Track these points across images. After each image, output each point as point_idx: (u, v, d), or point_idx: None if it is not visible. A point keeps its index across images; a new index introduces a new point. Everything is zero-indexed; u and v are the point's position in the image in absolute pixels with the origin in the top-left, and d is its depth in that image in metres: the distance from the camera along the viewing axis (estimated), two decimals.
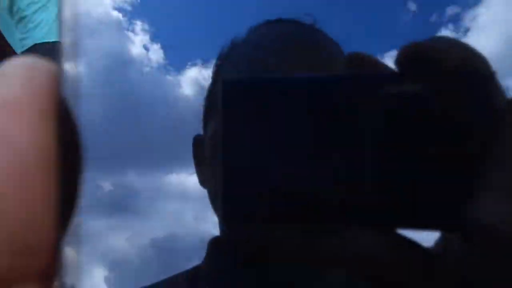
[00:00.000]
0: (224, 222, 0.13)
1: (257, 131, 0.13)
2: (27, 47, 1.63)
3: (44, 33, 1.62)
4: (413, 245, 0.13)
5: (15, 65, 0.13)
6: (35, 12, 1.60)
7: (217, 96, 0.31)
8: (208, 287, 0.31)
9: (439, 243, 0.14)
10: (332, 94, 0.13)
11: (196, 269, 0.35)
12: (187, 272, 0.36)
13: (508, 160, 0.12)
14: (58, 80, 0.13)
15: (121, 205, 0.15)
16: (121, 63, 0.16)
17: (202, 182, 0.38)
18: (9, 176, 0.12)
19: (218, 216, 0.13)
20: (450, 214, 0.12)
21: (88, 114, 0.14)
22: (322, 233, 0.13)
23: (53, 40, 1.63)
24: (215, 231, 0.15)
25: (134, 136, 0.16)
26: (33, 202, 0.12)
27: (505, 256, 0.13)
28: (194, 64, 0.17)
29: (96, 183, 0.14)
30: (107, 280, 0.15)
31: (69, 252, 0.13)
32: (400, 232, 0.13)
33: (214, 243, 0.35)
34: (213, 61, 0.17)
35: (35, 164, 0.12)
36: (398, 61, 0.13)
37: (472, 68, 0.13)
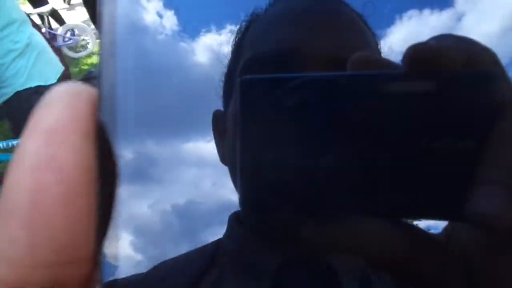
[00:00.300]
0: (243, 207, 0.14)
1: (273, 127, 0.14)
2: (7, 96, 1.59)
3: (24, 80, 1.58)
4: (421, 232, 0.14)
5: (57, 93, 0.15)
6: (13, 59, 1.55)
7: (236, 85, 0.30)
8: (228, 262, 0.32)
9: (443, 231, 0.15)
10: (342, 92, 0.13)
11: (217, 243, 0.36)
12: (208, 246, 0.37)
13: (510, 153, 0.12)
14: (96, 102, 0.15)
15: (142, 173, 0.15)
16: (135, 31, 0.16)
17: (223, 158, 0.38)
18: (58, 196, 0.13)
19: (239, 198, 0.14)
20: (454, 204, 0.13)
21: (106, 84, 0.15)
22: (335, 221, 0.13)
23: (34, 85, 1.60)
24: (233, 197, 0.15)
25: (151, 105, 0.16)
26: (78, 217, 0.13)
27: (504, 244, 0.13)
28: (209, 31, 0.16)
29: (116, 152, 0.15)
30: (132, 244, 0.16)
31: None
32: (408, 221, 0.14)
33: (235, 218, 0.36)
34: (228, 27, 0.17)
35: (79, 183, 0.13)
36: (404, 61, 0.13)
37: (478, 65, 0.13)
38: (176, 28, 0.16)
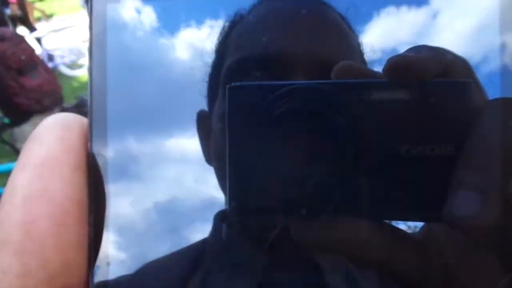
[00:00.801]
0: (231, 209, 0.15)
1: (261, 133, 0.14)
2: None
3: None
4: (400, 232, 0.15)
5: (48, 125, 0.15)
6: None
7: (223, 81, 0.30)
8: (215, 261, 0.32)
9: (421, 231, 0.15)
10: (326, 99, 0.14)
11: (203, 242, 0.35)
12: (195, 245, 0.36)
13: (483, 159, 0.13)
14: (86, 132, 0.15)
15: (123, 171, 0.15)
16: (114, 27, 0.16)
17: (208, 160, 0.38)
18: (49, 227, 0.13)
19: (227, 200, 0.15)
20: (432, 207, 0.13)
21: (96, 113, 0.15)
22: (319, 222, 0.14)
23: None
24: (216, 193, 0.16)
25: (131, 101, 0.16)
26: (69, 246, 0.14)
27: (477, 243, 0.14)
28: (188, 26, 0.16)
29: (97, 151, 0.15)
30: (115, 243, 0.16)
31: None
32: (389, 222, 0.14)
33: (220, 218, 0.35)
34: (207, 22, 0.17)
35: (70, 214, 0.14)
36: (384, 71, 0.14)
37: (454, 74, 0.14)
38: (156, 25, 0.16)
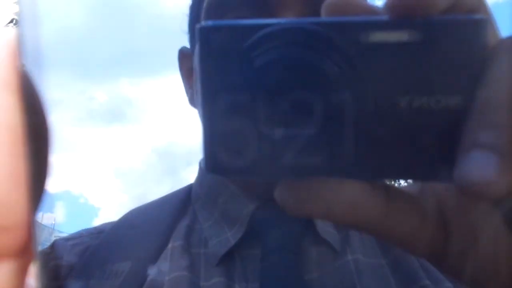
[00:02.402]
0: (206, 166, 0.13)
1: (237, 83, 0.12)
2: None
3: None
4: (394, 189, 0.14)
5: None
6: None
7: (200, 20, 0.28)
8: (201, 207, 0.32)
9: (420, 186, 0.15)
10: (315, 42, 0.12)
11: (189, 188, 0.36)
12: (181, 191, 0.37)
13: (501, 112, 0.11)
14: (18, 48, 0.12)
15: (118, 114, 0.15)
16: None
17: (191, 100, 0.37)
18: None
19: (202, 157, 0.13)
20: (439, 167, 0.12)
21: (76, 27, 0.13)
22: (308, 183, 0.13)
23: None
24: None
25: (122, 45, 0.15)
26: (2, 181, 0.12)
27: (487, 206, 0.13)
28: None
29: (90, 95, 0.14)
30: (114, 186, 0.15)
31: None
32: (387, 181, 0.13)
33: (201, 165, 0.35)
34: None
35: (1, 143, 0.11)
36: (386, 8, 0.12)
37: (465, 8, 0.12)
38: None
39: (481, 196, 0.11)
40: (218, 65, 0.12)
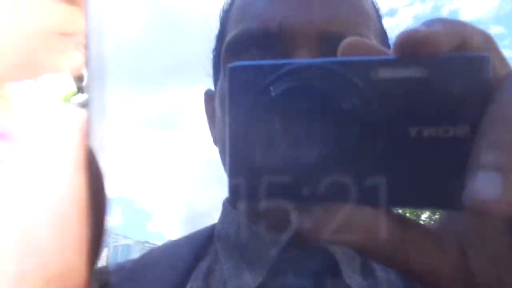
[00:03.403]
0: (231, 195, 0.14)
1: (262, 115, 0.13)
2: None
3: None
4: (410, 221, 0.14)
5: (44, 118, 0.14)
6: None
7: (224, 60, 0.29)
8: (223, 248, 0.32)
9: (435, 221, 0.15)
10: (331, 78, 0.13)
11: (212, 228, 0.36)
12: (203, 231, 0.36)
13: (503, 135, 0.12)
14: (87, 129, 0.14)
15: (170, 122, 0.15)
16: None
17: (214, 140, 0.37)
18: (47, 229, 0.13)
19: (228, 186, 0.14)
20: (449, 193, 0.13)
21: (134, 41, 0.14)
22: (325, 208, 0.13)
23: None
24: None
25: (175, 56, 0.16)
26: (67, 251, 0.13)
27: (497, 228, 0.14)
28: None
29: (145, 103, 0.15)
30: (166, 191, 0.15)
31: None
32: (399, 210, 0.14)
33: (229, 203, 0.35)
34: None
35: (70, 219, 0.13)
36: (394, 47, 0.13)
37: (472, 47, 0.13)
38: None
39: (490, 215, 0.11)
40: (245, 97, 0.13)
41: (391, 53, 0.13)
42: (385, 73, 0.13)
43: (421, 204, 0.14)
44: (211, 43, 0.30)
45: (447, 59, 0.13)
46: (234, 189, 0.14)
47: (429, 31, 0.13)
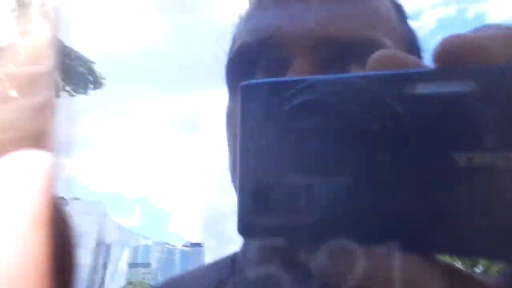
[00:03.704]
0: (239, 229, 0.13)
1: (274, 139, 0.12)
2: None
3: None
4: (460, 272, 0.11)
5: (7, 165, 0.12)
6: None
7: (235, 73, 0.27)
8: (244, 279, 0.31)
9: (499, 273, 0.12)
10: (355, 97, 0.11)
11: (233, 257, 0.35)
12: (225, 260, 0.36)
13: None
14: (52, 176, 0.12)
15: (190, 125, 0.15)
16: None
17: (230, 167, 0.35)
18: (10, 279, 0.11)
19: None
20: (502, 241, 0.10)
21: (155, 44, 0.14)
22: (344, 248, 0.11)
23: None
24: None
25: (194, 59, 0.15)
26: None
27: None
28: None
29: (165, 105, 0.14)
30: (186, 193, 0.15)
31: None
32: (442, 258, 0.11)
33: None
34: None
35: (30, 268, 0.11)
36: (435, 56, 0.11)
37: None
38: None
39: None
40: (257, 117, 0.12)
41: (428, 66, 0.11)
42: (424, 88, 0.10)
43: (473, 253, 0.11)
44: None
45: (501, 70, 0.10)
46: (240, 227, 0.12)
47: (480, 37, 0.11)
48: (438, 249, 0.11)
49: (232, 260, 0.32)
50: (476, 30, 0.11)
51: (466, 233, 0.10)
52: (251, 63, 0.25)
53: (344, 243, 0.11)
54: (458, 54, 0.10)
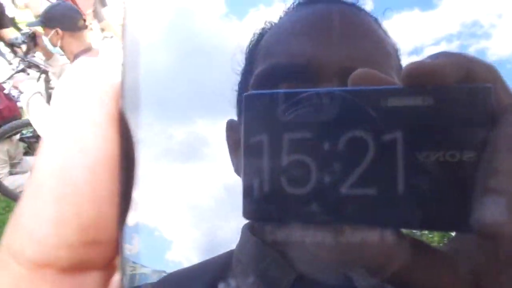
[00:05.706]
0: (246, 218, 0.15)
1: (275, 143, 0.14)
2: None
3: None
4: (424, 244, 0.14)
5: (81, 77, 0.15)
6: None
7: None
8: (242, 274, 0.31)
9: (448, 244, 0.15)
10: (342, 106, 0.14)
11: (230, 253, 0.35)
12: (222, 256, 0.36)
13: (508, 161, 0.12)
14: (119, 89, 0.15)
15: (194, 152, 0.16)
16: (184, 14, 0.16)
17: (236, 170, 0.36)
18: (84, 176, 0.13)
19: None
20: (458, 215, 0.13)
21: (159, 71, 0.15)
22: (336, 231, 0.14)
23: None
24: None
25: (199, 86, 0.16)
26: (102, 199, 0.14)
27: (507, 251, 0.13)
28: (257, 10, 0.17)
29: (168, 133, 0.16)
30: (184, 219, 0.16)
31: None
32: (410, 232, 0.14)
33: (248, 229, 0.35)
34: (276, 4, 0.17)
35: (103, 167, 0.14)
36: (402, 78, 0.14)
37: (478, 79, 0.14)
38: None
39: (497, 237, 0.12)
40: (259, 124, 0.14)
41: (399, 84, 0.14)
42: (394, 102, 0.14)
43: (430, 226, 0.14)
44: (237, 76, 0.31)
45: (451, 89, 0.13)
46: (248, 212, 0.15)
47: (435, 63, 0.14)
48: (403, 225, 0.14)
49: (230, 257, 0.33)
50: (431, 56, 0.14)
51: (423, 211, 0.13)
52: (279, 82, 0.26)
53: (334, 224, 0.14)
54: (419, 76, 0.13)
